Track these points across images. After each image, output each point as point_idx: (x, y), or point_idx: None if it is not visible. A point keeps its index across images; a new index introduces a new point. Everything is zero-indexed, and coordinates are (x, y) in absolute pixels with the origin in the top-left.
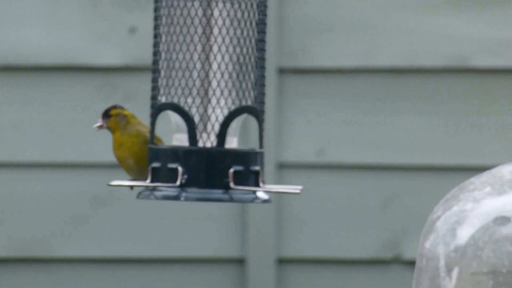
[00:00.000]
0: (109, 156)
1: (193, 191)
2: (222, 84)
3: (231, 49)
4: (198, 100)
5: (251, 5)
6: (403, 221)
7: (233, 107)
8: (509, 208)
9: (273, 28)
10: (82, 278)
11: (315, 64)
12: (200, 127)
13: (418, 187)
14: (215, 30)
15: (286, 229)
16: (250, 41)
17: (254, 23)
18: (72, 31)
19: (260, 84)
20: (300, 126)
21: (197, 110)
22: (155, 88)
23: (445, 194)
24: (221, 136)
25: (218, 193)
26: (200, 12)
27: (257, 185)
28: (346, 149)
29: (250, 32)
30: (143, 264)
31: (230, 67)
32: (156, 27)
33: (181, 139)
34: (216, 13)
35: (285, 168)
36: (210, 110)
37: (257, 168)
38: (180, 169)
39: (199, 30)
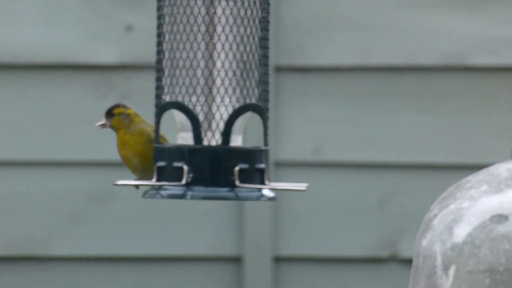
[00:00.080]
0: (107, 155)
1: (199, 190)
2: (226, 82)
3: (234, 47)
4: (202, 99)
5: (254, 2)
6: (400, 219)
7: (237, 105)
8: (506, 206)
9: (271, 26)
10: (80, 276)
11: (312, 62)
12: (204, 125)
13: (415, 186)
14: (219, 28)
15: (282, 227)
16: (254, 38)
17: (257, 21)
18: (68, 29)
19: (264, 82)
20: (297, 124)
21: (202, 109)
22: (159, 87)
23: (442, 193)
24: (226, 134)
25: (223, 191)
26: (203, 11)
27: (263, 182)
28: (343, 147)
29: (254, 30)
30: (140, 263)
31: (234, 65)
32: (159, 26)
33: (186, 138)
34: (219, 11)
35: (282, 166)
36: (214, 109)
37: (262, 165)
38: (185, 167)
39: (203, 28)
